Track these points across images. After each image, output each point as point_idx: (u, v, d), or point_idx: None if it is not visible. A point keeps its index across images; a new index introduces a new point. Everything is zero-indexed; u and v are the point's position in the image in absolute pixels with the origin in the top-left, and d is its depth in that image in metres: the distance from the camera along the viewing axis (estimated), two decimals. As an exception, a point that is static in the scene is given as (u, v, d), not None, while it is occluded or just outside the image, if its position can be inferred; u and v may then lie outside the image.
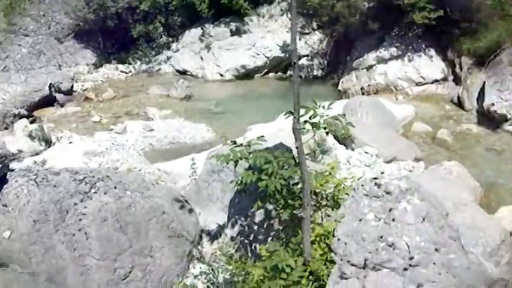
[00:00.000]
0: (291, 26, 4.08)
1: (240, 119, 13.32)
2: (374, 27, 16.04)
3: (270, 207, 5.17)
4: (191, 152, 10.44)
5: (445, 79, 15.21)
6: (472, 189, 8.13)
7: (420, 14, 14.54)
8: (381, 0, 15.71)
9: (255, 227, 5.59)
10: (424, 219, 3.99)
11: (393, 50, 15.59)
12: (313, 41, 18.68)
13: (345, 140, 9.38)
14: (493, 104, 12.30)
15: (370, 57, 15.83)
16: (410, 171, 8.84)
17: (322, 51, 18.61)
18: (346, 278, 3.93)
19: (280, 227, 5.25)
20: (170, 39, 20.47)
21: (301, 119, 4.18)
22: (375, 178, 4.33)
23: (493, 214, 7.44)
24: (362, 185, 4.31)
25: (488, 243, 6.27)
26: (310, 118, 4.30)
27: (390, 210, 3.99)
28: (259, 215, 5.53)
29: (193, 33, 19.84)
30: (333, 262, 4.12)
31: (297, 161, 4.33)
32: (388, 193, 4.10)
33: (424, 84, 15.06)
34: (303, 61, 18.31)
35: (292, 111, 4.09)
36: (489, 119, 12.41)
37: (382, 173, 8.30)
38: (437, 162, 9.02)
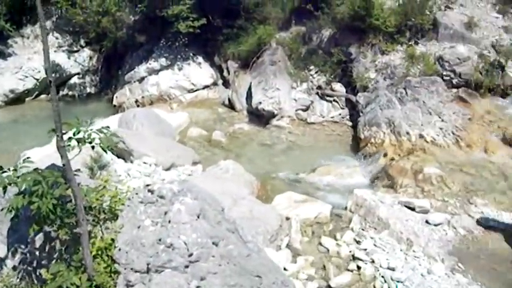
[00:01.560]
0: (43, 45, 4.00)
1: (12, 146, 12.59)
2: (142, 40, 16.20)
3: (48, 229, 5.00)
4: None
5: (215, 84, 15.79)
6: (249, 183, 8.57)
7: (184, 23, 14.87)
8: (146, 13, 15.83)
9: (37, 252, 5.35)
10: (198, 217, 4.15)
11: (163, 61, 15.82)
12: (82, 58, 18.20)
13: (123, 153, 9.36)
14: (260, 103, 13.10)
15: (141, 70, 15.89)
16: (189, 175, 9.06)
17: (94, 68, 18.21)
18: (132, 286, 3.95)
19: (62, 247, 5.10)
20: None
21: (66, 136, 4.12)
22: (148, 185, 4.41)
23: (270, 203, 7.93)
24: (136, 193, 4.37)
25: (268, 231, 6.71)
26: (74, 134, 4.25)
27: (165, 213, 4.09)
28: (39, 239, 5.31)
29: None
30: (117, 272, 4.12)
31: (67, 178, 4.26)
32: (161, 197, 4.20)
33: (195, 90, 15.46)
34: (75, 79, 17.80)
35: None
36: (259, 117, 13.20)
37: (163, 180, 8.41)
38: (215, 163, 9.37)
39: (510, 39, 13.34)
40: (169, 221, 4.04)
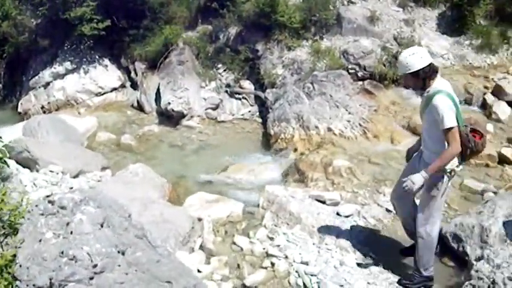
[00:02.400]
0: None
1: None
2: (45, 44, 15.65)
3: None
4: None
5: (123, 86, 15.50)
6: (159, 186, 8.44)
7: (88, 25, 14.48)
8: (48, 16, 15.30)
9: None
10: (102, 226, 4.03)
11: (68, 64, 15.33)
12: (-18, 66, 17.49)
13: (29, 162, 9.00)
14: (169, 103, 12.98)
15: (46, 74, 15.38)
16: (98, 181, 8.85)
17: (-4, 75, 17.53)
18: (35, 303, 3.80)
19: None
20: None
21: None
22: (48, 196, 4.24)
23: (182, 205, 7.85)
24: (36, 205, 4.19)
25: (180, 233, 6.62)
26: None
27: (67, 224, 3.95)
28: None
29: None
30: (20, 290, 3.95)
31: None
32: (62, 208, 4.05)
33: (103, 94, 15.10)
34: (-26, 88, 17.05)
35: None
36: (168, 118, 13.08)
37: (71, 188, 8.16)
38: (124, 167, 9.18)
39: (410, 32, 13.81)
40: (72, 232, 3.90)
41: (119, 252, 4.02)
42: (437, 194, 5.60)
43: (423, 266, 5.96)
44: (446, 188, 5.59)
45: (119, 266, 3.97)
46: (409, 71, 5.33)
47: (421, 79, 5.36)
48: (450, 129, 5.15)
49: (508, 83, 12.15)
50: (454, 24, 14.75)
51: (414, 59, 5.29)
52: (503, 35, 14.29)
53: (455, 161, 5.42)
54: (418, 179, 5.32)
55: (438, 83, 5.38)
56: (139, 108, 14.25)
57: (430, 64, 5.30)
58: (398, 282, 6.14)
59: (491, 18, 14.65)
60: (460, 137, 5.24)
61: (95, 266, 3.81)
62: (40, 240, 4.01)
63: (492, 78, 12.71)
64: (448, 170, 5.44)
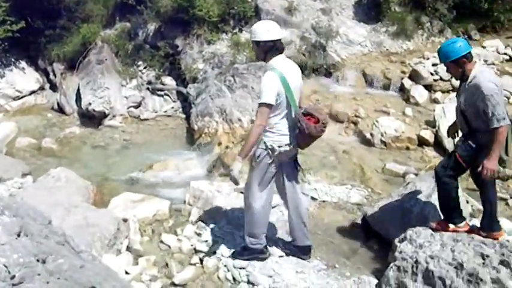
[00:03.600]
0: None
1: None
2: None
3: None
4: None
5: (42, 88, 15.11)
6: (83, 189, 8.28)
7: (2, 28, 14.07)
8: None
9: None
10: (19, 235, 3.93)
11: (-19, 69, 14.84)
12: None
13: None
14: (90, 104, 12.75)
15: (-41, 80, 14.80)
16: (19, 188, 8.62)
17: None
18: (-48, 320, 3.68)
19: None
20: None
21: None
22: (-40, 208, 4.11)
23: (106, 207, 7.73)
24: (-52, 219, 4.05)
25: (105, 236, 6.53)
26: None
27: (-17, 236, 3.84)
28: None
29: None
30: None
31: None
32: (-25, 220, 3.93)
33: (22, 97, 14.64)
34: None
35: None
36: (90, 119, 12.86)
37: (-11, 197, 7.90)
38: (46, 172, 8.96)
39: (328, 21, 14.05)
40: (-13, 245, 3.79)
41: (38, 261, 3.93)
42: (255, 167, 5.73)
43: (248, 236, 6.12)
44: (270, 166, 5.69)
45: (39, 275, 3.88)
46: None
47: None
48: (260, 105, 5.31)
49: (424, 67, 12.58)
50: (370, 11, 15.15)
51: None
52: (417, 21, 14.78)
53: (282, 139, 5.56)
54: (235, 165, 5.52)
55: (275, 61, 5.49)
56: (60, 110, 13.93)
57: None
58: (232, 254, 6.36)
59: (405, 5, 15.10)
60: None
61: (13, 277, 3.71)
62: (-46, 255, 3.88)
63: (409, 63, 13.13)
64: (269, 147, 5.55)
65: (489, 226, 5.87)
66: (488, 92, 5.24)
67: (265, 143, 5.55)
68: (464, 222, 6.04)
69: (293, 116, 5.46)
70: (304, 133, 5.41)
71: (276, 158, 5.62)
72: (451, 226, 5.99)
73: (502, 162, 5.51)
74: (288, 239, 6.71)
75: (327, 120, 5.67)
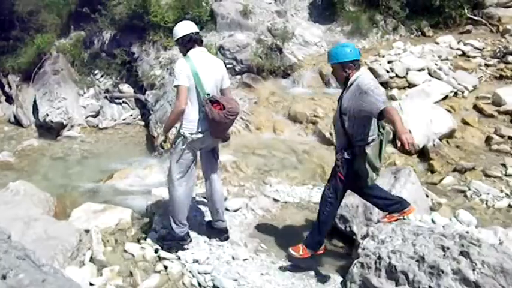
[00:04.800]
0: None
1: None
2: None
3: None
4: None
5: (-2, 101, 14.88)
6: (43, 201, 8.15)
7: (-48, 41, 13.87)
8: None
9: None
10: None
11: None
12: None
13: None
14: (47, 115, 12.61)
15: None
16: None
17: None
18: None
19: None
20: None
21: None
22: None
23: (68, 219, 7.64)
24: None
25: (67, 248, 6.44)
26: None
27: None
28: None
29: None
30: None
31: None
32: None
33: (-24, 111, 14.45)
34: None
35: None
36: (48, 130, 12.72)
37: None
38: (4, 186, 8.80)
39: (283, 23, 14.14)
40: None
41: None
42: (173, 153, 6.10)
43: (172, 222, 6.37)
44: (184, 152, 5.97)
45: (-7, 292, 3.84)
46: None
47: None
48: (175, 87, 5.73)
49: (380, 65, 12.76)
50: (324, 12, 15.32)
51: None
52: (371, 20, 15.01)
53: (192, 126, 5.85)
54: (158, 140, 5.93)
55: (191, 52, 5.90)
56: (17, 122, 13.77)
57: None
58: (157, 239, 6.72)
59: (359, 4, 15.32)
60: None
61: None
62: None
63: (365, 62, 13.27)
64: (182, 134, 5.88)
65: (395, 208, 6.04)
66: (369, 86, 5.34)
67: (179, 130, 5.93)
68: (322, 246, 6.14)
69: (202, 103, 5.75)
70: (208, 118, 5.69)
71: (191, 145, 5.92)
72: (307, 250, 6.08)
73: (375, 169, 5.61)
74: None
75: (235, 110, 5.83)
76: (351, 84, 5.54)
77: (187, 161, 6.02)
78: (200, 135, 5.85)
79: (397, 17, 15.01)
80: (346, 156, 5.70)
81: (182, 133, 5.86)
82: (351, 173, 5.72)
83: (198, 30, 6.08)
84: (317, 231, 6.05)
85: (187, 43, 5.93)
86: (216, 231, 6.82)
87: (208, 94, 5.74)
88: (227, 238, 6.79)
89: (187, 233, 6.50)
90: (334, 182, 5.88)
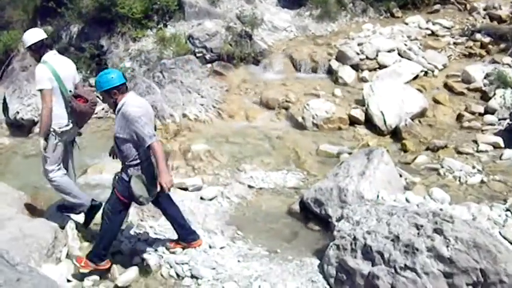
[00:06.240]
0: None
1: None
2: None
3: None
4: None
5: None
6: (17, 200, 8.06)
7: None
8: None
9: None
10: None
11: None
12: None
13: None
14: (18, 112, 12.43)
15: None
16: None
17: None
18: None
19: None
20: None
21: None
22: None
23: (43, 217, 7.55)
24: None
25: (42, 246, 6.40)
26: None
27: None
28: None
29: None
30: None
31: None
32: None
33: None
34: None
35: None
36: (20, 128, 12.51)
37: None
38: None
39: (252, 9, 14.10)
40: None
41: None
42: (47, 148, 6.54)
43: (69, 199, 7.04)
44: (57, 145, 6.56)
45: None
46: None
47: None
48: (40, 91, 6.34)
49: (350, 48, 12.84)
50: (293, -4, 15.29)
51: None
52: (340, 3, 15.08)
53: (60, 121, 6.47)
54: (40, 143, 6.49)
55: (46, 56, 6.45)
56: (-12, 122, 13.49)
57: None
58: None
59: (327, -12, 15.30)
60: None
61: None
62: None
63: (335, 45, 13.37)
64: (52, 129, 6.43)
65: (184, 237, 6.42)
66: (135, 115, 5.49)
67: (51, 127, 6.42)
68: (105, 261, 6.17)
69: (67, 99, 6.42)
70: (76, 112, 6.44)
71: (61, 138, 6.56)
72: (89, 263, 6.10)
73: (150, 191, 5.72)
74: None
75: (95, 100, 6.78)
76: (119, 110, 5.67)
77: (59, 152, 6.65)
78: (68, 128, 6.55)
79: (366, -1, 15.06)
80: (123, 177, 5.81)
81: (53, 129, 6.42)
82: (128, 192, 5.74)
83: (47, 36, 6.67)
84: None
85: (40, 48, 6.47)
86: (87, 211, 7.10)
87: (70, 91, 6.45)
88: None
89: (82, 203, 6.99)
90: (112, 200, 6.02)
